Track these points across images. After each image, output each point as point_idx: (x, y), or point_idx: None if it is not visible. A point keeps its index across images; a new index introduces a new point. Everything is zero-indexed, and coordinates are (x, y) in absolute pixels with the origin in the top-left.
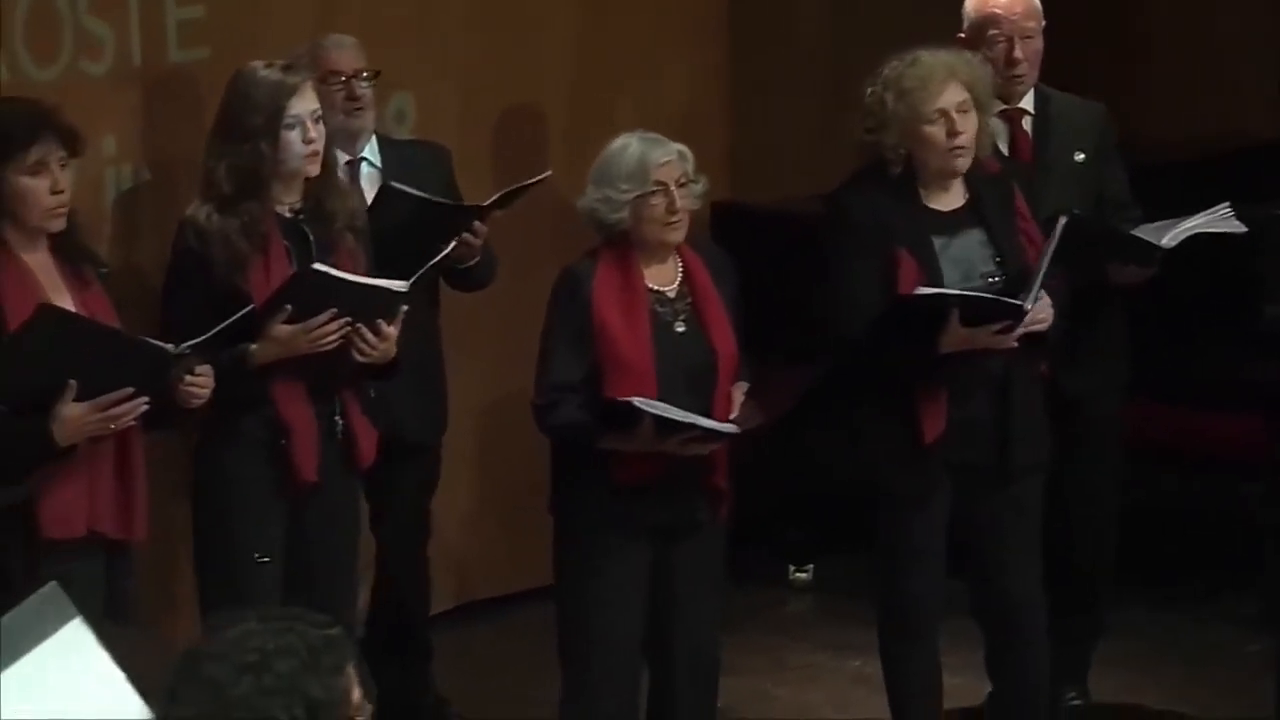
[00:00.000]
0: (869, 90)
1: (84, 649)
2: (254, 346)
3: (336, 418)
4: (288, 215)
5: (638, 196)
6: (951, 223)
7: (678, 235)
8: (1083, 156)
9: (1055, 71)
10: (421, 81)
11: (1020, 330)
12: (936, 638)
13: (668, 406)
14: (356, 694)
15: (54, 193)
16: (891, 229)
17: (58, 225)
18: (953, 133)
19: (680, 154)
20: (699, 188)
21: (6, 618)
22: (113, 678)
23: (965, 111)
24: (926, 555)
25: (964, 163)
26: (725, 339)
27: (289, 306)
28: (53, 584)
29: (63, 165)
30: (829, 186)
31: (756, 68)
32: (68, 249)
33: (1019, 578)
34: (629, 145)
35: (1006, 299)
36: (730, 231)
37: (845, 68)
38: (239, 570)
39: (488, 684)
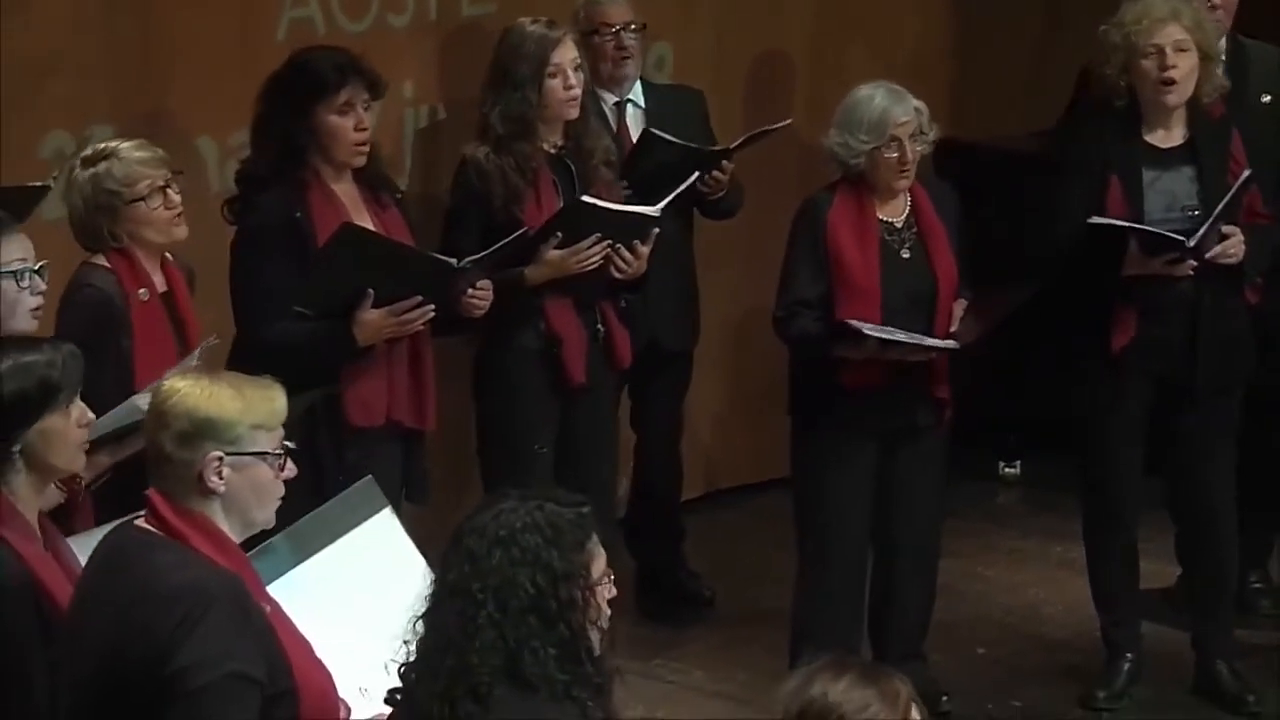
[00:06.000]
0: (1102, 27)
1: (391, 535)
2: (527, 269)
3: (598, 326)
4: (552, 152)
5: (875, 147)
6: (1166, 158)
7: (906, 182)
8: (1269, 98)
9: (1249, 19)
10: (679, 32)
11: (1191, 261)
12: (1134, 531)
13: (889, 329)
14: (598, 566)
15: (358, 129)
16: (1108, 158)
17: (360, 160)
18: (1164, 68)
19: (918, 110)
20: (930, 137)
21: (325, 506)
22: (415, 561)
23: (1182, 50)
24: (1123, 458)
25: (1174, 99)
26: (946, 266)
27: (559, 234)
28: (368, 478)
29: (366, 107)
30: (1042, 124)
31: (978, 11)
32: (369, 177)
33: (1212, 482)
34: (874, 97)
35: (1173, 235)
36: (949, 166)
37: (1059, 11)
38: (520, 458)
39: (732, 561)
